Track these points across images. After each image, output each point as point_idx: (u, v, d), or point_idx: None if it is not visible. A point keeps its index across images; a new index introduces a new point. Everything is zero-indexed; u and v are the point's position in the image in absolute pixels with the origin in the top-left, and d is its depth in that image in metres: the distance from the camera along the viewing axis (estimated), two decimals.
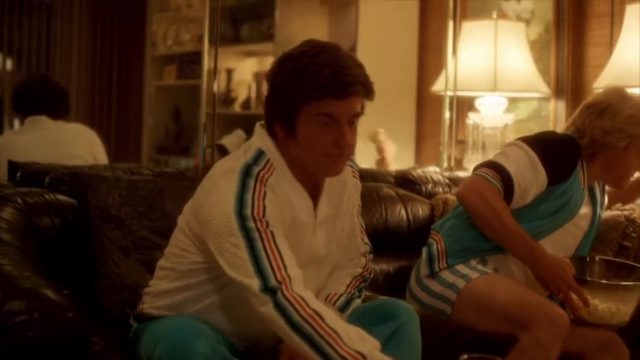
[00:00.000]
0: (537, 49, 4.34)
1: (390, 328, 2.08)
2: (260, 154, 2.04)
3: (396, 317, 2.10)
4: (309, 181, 2.09)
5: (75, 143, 3.72)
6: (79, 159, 3.60)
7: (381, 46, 4.83)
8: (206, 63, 4.02)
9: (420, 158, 5.00)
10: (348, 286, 2.23)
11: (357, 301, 2.22)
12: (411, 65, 5.01)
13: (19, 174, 2.65)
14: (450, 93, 4.35)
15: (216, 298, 2.09)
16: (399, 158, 4.68)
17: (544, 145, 2.66)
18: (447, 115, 4.43)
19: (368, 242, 2.35)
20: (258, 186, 1.97)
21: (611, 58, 3.73)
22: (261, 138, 2.07)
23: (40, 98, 3.78)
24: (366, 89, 1.99)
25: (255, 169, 2.00)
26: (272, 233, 1.94)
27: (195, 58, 5.66)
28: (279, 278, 1.90)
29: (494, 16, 4.24)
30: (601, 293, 2.52)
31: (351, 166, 2.23)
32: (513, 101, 4.45)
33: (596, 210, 2.81)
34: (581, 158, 2.71)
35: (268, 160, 2.03)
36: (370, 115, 2.13)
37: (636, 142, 2.70)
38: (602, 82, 3.75)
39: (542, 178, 2.61)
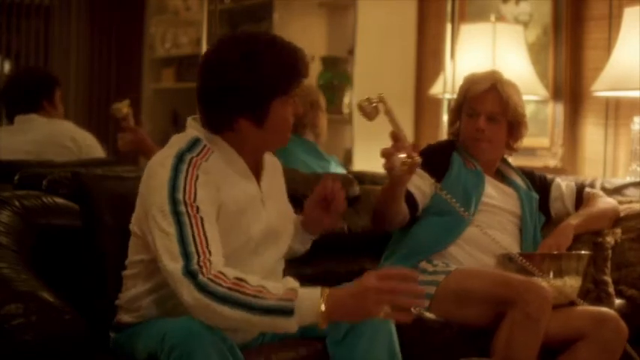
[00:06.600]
0: (535, 51, 4.34)
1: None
2: (195, 142, 2.11)
3: None
4: (255, 162, 2.20)
5: (64, 144, 3.68)
6: (65, 149, 3.59)
7: (379, 49, 4.83)
8: None
9: None
10: None
11: None
12: (410, 68, 5.00)
13: (17, 177, 2.64)
14: (448, 96, 4.35)
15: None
16: None
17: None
18: (445, 118, 4.43)
19: None
20: (190, 170, 2.04)
21: (609, 61, 3.73)
22: (195, 129, 2.14)
23: (24, 95, 3.73)
24: None
25: (189, 155, 2.06)
26: (201, 219, 1.98)
27: (194, 60, 5.66)
28: (201, 262, 1.92)
29: (493, 19, 4.24)
30: (547, 267, 2.62)
31: None
32: None
33: (521, 195, 2.89)
34: (458, 148, 2.89)
35: (204, 147, 2.10)
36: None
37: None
38: (600, 85, 3.75)
39: (427, 180, 2.71)
